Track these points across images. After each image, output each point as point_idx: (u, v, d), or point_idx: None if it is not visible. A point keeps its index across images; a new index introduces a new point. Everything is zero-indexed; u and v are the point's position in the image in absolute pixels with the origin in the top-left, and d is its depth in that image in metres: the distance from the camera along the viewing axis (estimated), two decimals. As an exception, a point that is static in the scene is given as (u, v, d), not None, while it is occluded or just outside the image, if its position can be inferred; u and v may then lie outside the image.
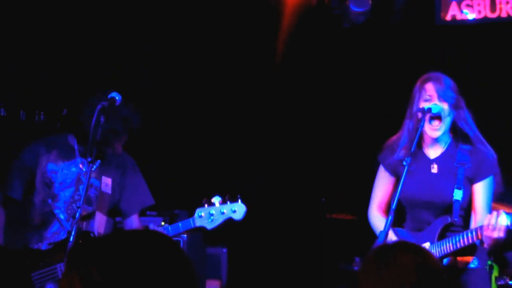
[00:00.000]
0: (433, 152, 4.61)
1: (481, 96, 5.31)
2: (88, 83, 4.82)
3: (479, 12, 7.11)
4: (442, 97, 4.46)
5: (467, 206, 4.55)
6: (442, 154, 4.58)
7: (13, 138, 6.25)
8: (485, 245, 4.35)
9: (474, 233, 4.33)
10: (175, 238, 5.68)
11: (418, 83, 4.55)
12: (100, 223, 4.64)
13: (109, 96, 4.50)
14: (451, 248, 4.38)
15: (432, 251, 4.37)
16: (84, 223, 4.63)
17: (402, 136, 4.60)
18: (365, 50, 7.41)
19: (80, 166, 4.71)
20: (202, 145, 7.71)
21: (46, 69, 6.99)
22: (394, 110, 4.85)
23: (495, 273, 5.58)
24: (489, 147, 4.56)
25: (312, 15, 7.39)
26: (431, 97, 4.47)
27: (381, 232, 4.27)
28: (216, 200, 4.49)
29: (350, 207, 5.00)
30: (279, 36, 7.48)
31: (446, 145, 4.59)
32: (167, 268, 1.73)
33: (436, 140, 4.58)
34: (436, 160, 4.58)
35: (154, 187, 5.01)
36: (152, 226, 5.43)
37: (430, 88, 4.49)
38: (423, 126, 4.46)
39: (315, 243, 7.58)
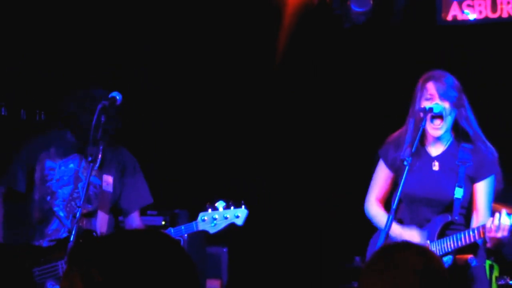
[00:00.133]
0: (434, 150, 4.62)
1: (482, 96, 5.30)
2: (88, 83, 4.82)
3: (480, 12, 7.11)
4: (443, 96, 4.47)
5: (468, 204, 4.56)
6: (444, 152, 4.59)
7: (14, 137, 6.25)
8: (489, 245, 4.36)
9: (476, 231, 4.34)
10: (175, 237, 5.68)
11: (420, 82, 4.56)
12: (102, 222, 4.64)
13: (109, 96, 4.51)
14: (452, 246, 4.39)
15: (432, 249, 4.38)
16: (85, 221, 4.62)
17: (404, 134, 4.61)
18: (366, 50, 7.41)
19: (78, 161, 4.71)
20: (202, 144, 7.70)
21: (46, 69, 6.98)
22: (395, 110, 4.86)
23: (495, 273, 5.58)
24: (490, 146, 4.57)
25: (313, 15, 7.38)
26: (432, 96, 4.48)
27: (382, 231, 4.27)
28: (220, 205, 4.51)
29: (351, 206, 4.99)
30: (280, 36, 7.48)
31: (448, 144, 4.60)
32: (169, 268, 1.73)
33: (438, 139, 4.59)
34: (437, 157, 4.59)
35: (154, 187, 5.01)
36: None
37: (431, 87, 4.49)
38: (424, 125, 4.47)
39: (316, 242, 7.57)
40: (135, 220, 4.79)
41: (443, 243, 4.42)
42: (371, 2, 7.01)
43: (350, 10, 7.05)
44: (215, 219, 4.49)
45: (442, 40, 7.21)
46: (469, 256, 4.47)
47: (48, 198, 4.68)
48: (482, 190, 4.53)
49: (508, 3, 7.01)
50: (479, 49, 7.10)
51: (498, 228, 4.25)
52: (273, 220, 7.58)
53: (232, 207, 4.51)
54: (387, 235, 4.20)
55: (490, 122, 4.78)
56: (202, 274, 6.42)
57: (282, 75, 7.58)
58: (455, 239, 4.39)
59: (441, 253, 4.40)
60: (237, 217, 4.50)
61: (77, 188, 4.67)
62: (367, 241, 4.86)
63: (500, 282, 5.61)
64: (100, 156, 4.49)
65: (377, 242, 4.31)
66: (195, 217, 4.55)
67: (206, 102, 7.70)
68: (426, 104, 4.48)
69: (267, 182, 7.62)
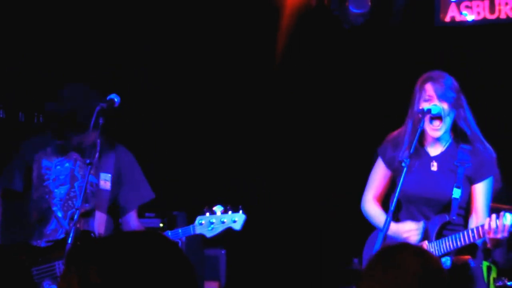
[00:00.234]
0: (433, 150, 4.62)
1: (480, 97, 5.31)
2: (87, 83, 4.82)
3: (478, 13, 7.11)
4: (442, 97, 4.47)
5: (466, 205, 4.56)
6: (443, 153, 4.59)
7: (13, 139, 6.25)
8: (488, 245, 4.36)
9: (476, 232, 4.34)
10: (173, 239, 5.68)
11: (419, 83, 4.57)
12: (100, 222, 4.63)
13: (107, 98, 4.52)
14: (451, 247, 4.39)
15: (431, 249, 4.38)
16: (82, 221, 4.62)
17: (403, 135, 4.61)
18: (365, 51, 7.41)
19: (74, 158, 4.71)
20: (200, 146, 7.70)
21: (45, 71, 6.98)
22: (394, 111, 4.86)
23: (493, 274, 5.58)
24: (488, 147, 4.57)
25: (312, 16, 7.39)
26: (431, 97, 4.48)
27: (379, 233, 4.27)
28: (217, 209, 4.52)
29: (350, 207, 4.99)
30: (279, 37, 7.48)
31: (447, 144, 4.60)
32: (167, 270, 1.73)
33: (437, 139, 4.59)
34: (436, 158, 4.59)
35: (153, 188, 5.00)
36: None
37: (429, 88, 4.50)
38: (422, 127, 4.47)
39: (314, 244, 7.57)
40: (132, 219, 4.78)
41: (442, 244, 4.42)
42: (369, 3, 7.02)
43: (348, 12, 7.05)
44: (212, 223, 4.50)
45: (440, 41, 7.21)
46: (468, 258, 4.47)
47: (47, 196, 4.69)
48: (481, 191, 4.53)
49: (506, 4, 7.01)
50: (477, 50, 7.11)
51: (498, 228, 4.26)
52: (271, 222, 7.57)
53: (230, 212, 4.52)
54: (385, 236, 4.20)
55: (489, 122, 4.78)
56: (200, 276, 6.42)
57: (282, 76, 7.59)
58: (453, 239, 4.38)
59: (439, 253, 4.40)
60: (235, 221, 4.50)
61: (73, 187, 4.67)
62: (365, 241, 4.86)
63: (498, 284, 5.61)
64: (97, 155, 4.48)
65: (374, 243, 4.31)
66: (193, 219, 4.55)
67: (205, 102, 7.70)
68: (424, 105, 4.48)
69: (265, 184, 7.62)
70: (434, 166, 4.59)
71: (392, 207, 4.24)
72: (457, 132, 4.58)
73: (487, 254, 5.06)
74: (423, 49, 7.17)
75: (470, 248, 4.47)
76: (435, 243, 4.44)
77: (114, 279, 1.68)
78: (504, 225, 4.26)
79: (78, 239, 4.29)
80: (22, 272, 4.50)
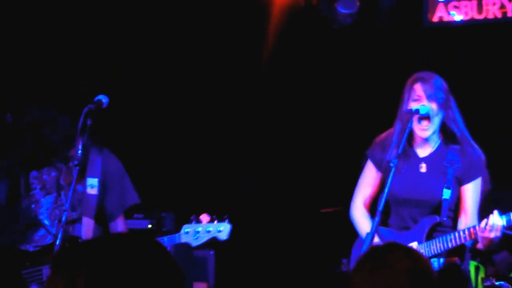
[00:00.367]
0: (422, 151, 4.62)
1: (469, 97, 5.31)
2: (84, 84, 4.82)
3: (466, 13, 7.12)
4: (430, 97, 4.47)
5: (455, 206, 4.57)
6: (431, 154, 4.59)
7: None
8: (480, 245, 4.36)
9: (467, 232, 4.35)
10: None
11: (408, 83, 4.57)
12: (87, 228, 4.61)
13: (95, 99, 4.49)
14: (441, 248, 4.39)
15: (421, 251, 4.38)
16: (70, 228, 4.60)
17: (391, 135, 4.61)
18: (353, 51, 7.42)
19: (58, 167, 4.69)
20: (189, 147, 7.69)
21: (36, 72, 6.96)
22: (382, 112, 4.86)
23: (481, 274, 5.60)
24: (477, 148, 4.58)
25: (300, 17, 7.38)
26: (420, 97, 4.49)
27: (367, 233, 4.26)
28: (203, 218, 4.53)
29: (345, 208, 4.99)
30: (268, 37, 7.48)
31: (436, 145, 4.60)
32: (155, 275, 1.72)
33: (426, 140, 4.59)
34: (425, 159, 4.60)
35: (141, 189, 4.98)
36: None
37: (418, 88, 4.50)
38: (410, 127, 4.47)
39: (304, 245, 7.57)
40: (119, 226, 4.76)
41: (432, 245, 4.42)
42: (358, 3, 7.02)
43: (337, 12, 7.05)
44: (198, 232, 4.51)
45: (429, 41, 7.22)
46: (456, 259, 4.48)
47: (33, 206, 4.66)
48: (470, 192, 4.54)
49: (494, 4, 7.03)
50: (465, 50, 7.12)
51: (491, 228, 4.27)
52: (259, 223, 7.57)
53: (215, 221, 4.52)
54: (373, 237, 4.19)
55: (477, 122, 4.79)
56: (189, 277, 6.41)
57: (270, 77, 7.58)
58: (444, 241, 4.39)
59: (429, 255, 4.40)
60: (220, 231, 4.51)
61: (60, 196, 4.64)
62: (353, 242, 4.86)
63: (486, 284, 5.63)
64: (80, 154, 4.45)
65: (362, 245, 4.30)
66: (181, 221, 4.56)
67: (201, 104, 7.69)
68: (413, 105, 4.49)
69: (254, 186, 7.61)
70: (423, 168, 4.59)
71: (380, 208, 4.23)
72: (446, 133, 4.59)
73: (475, 254, 5.07)
74: (411, 49, 7.17)
75: (458, 250, 4.47)
76: (425, 244, 4.44)
77: (100, 284, 1.67)
78: (497, 225, 4.27)
79: (66, 243, 4.27)
80: (12, 275, 4.48)
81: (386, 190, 4.30)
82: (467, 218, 4.50)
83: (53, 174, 4.69)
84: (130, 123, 7.38)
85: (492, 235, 4.28)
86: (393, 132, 4.61)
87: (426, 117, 4.49)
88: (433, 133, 4.55)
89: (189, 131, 7.67)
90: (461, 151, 4.54)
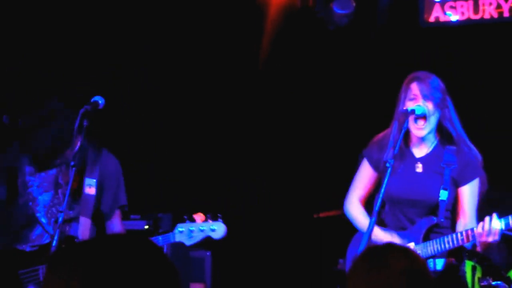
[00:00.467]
0: (418, 151, 4.62)
1: (466, 97, 5.32)
2: (84, 84, 4.82)
3: (463, 13, 7.13)
4: (427, 97, 4.47)
5: (452, 207, 4.57)
6: (428, 154, 4.59)
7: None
8: (478, 249, 4.37)
9: (464, 235, 4.35)
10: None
11: (405, 83, 4.58)
12: (84, 228, 4.61)
13: (92, 100, 4.49)
14: (439, 249, 4.39)
15: (418, 251, 4.38)
16: (67, 227, 4.60)
17: (388, 135, 4.61)
18: (350, 52, 7.42)
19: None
20: (186, 147, 7.69)
21: (36, 72, 6.95)
22: (379, 112, 4.86)
23: (478, 274, 5.59)
24: (473, 148, 4.58)
25: (297, 18, 7.38)
26: (416, 97, 4.49)
27: (364, 234, 4.26)
28: (197, 217, 4.53)
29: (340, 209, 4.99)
30: (264, 39, 7.48)
31: (433, 146, 4.60)
32: (151, 277, 1.72)
33: (422, 140, 4.59)
34: (421, 159, 4.60)
35: (138, 190, 4.99)
36: None
37: (415, 88, 4.51)
38: (406, 127, 4.47)
39: (300, 246, 7.57)
40: (116, 225, 4.77)
41: (430, 246, 4.42)
42: (354, 4, 7.02)
43: (332, 13, 7.05)
44: (192, 231, 4.52)
45: (425, 41, 7.23)
46: (452, 259, 4.48)
47: (30, 203, 4.67)
48: (467, 193, 4.54)
49: (490, 4, 7.03)
50: (462, 50, 7.13)
51: (489, 232, 4.27)
52: (256, 224, 7.57)
53: (209, 220, 4.53)
54: (370, 237, 4.19)
55: (474, 123, 4.79)
56: (186, 278, 6.41)
57: (269, 78, 7.59)
58: (441, 242, 4.39)
59: (425, 256, 4.40)
60: (213, 230, 4.52)
61: (57, 194, 4.64)
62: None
63: (483, 283, 5.62)
64: (77, 156, 4.45)
65: (359, 244, 4.30)
66: (178, 221, 4.56)
67: (198, 105, 7.69)
68: (409, 105, 4.49)
69: (249, 187, 7.62)
70: (419, 168, 4.59)
71: (376, 208, 4.23)
72: (442, 133, 4.59)
73: (472, 254, 5.06)
74: (407, 49, 7.18)
75: (455, 250, 4.48)
76: (422, 245, 4.44)
77: (96, 285, 1.66)
78: (495, 229, 4.27)
79: (62, 243, 4.27)
80: (9, 276, 4.48)
81: (382, 190, 4.30)
82: (466, 220, 4.51)
83: (51, 172, 4.70)
84: (129, 123, 7.37)
85: (490, 239, 4.28)
86: (390, 132, 4.61)
87: (422, 116, 4.49)
88: (429, 132, 4.55)
89: (186, 132, 7.67)
90: (458, 152, 4.54)
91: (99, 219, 4.79)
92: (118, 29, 7.31)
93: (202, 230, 4.53)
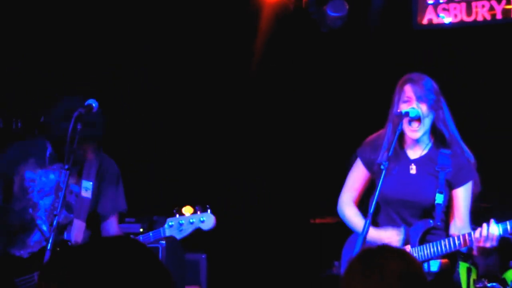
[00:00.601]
0: (413, 153, 4.62)
1: (459, 98, 5.33)
2: (84, 84, 4.83)
3: (455, 16, 7.15)
4: (420, 98, 4.47)
5: (446, 209, 4.57)
6: (422, 157, 4.59)
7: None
8: (474, 252, 4.37)
9: (462, 239, 4.35)
10: (154, 245, 5.69)
11: (398, 85, 4.57)
12: (78, 231, 4.61)
13: (86, 103, 4.49)
14: (435, 253, 4.39)
15: (414, 254, 4.38)
16: (65, 230, 4.61)
17: (382, 137, 4.61)
18: (343, 54, 7.43)
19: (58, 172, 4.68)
20: (182, 150, 7.69)
21: (25, 76, 6.94)
22: (373, 114, 4.86)
23: (473, 275, 5.60)
24: (467, 150, 4.58)
25: (290, 20, 7.39)
26: (410, 99, 4.49)
27: (359, 236, 4.26)
28: (186, 210, 4.54)
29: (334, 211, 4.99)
30: (257, 41, 7.49)
31: (427, 148, 4.60)
32: (143, 279, 1.72)
33: (416, 142, 4.59)
34: (415, 161, 4.60)
35: (133, 193, 4.99)
36: None
37: (408, 90, 4.50)
38: (400, 130, 4.47)
39: (296, 249, 7.57)
40: (112, 226, 4.77)
41: (426, 250, 4.42)
42: (347, 6, 7.03)
43: (326, 15, 7.06)
44: (181, 224, 4.53)
45: (418, 43, 7.24)
46: (447, 261, 4.48)
47: (30, 210, 4.65)
48: (461, 195, 4.54)
49: (483, 6, 7.05)
50: (455, 52, 7.14)
51: (487, 238, 4.27)
52: (252, 227, 7.57)
53: (198, 212, 4.54)
54: (365, 239, 4.19)
55: (467, 124, 4.80)
56: (181, 281, 6.40)
57: (262, 81, 7.59)
58: (438, 245, 4.38)
59: (422, 259, 4.39)
60: (202, 221, 4.53)
61: (58, 198, 4.63)
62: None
63: (478, 285, 5.63)
64: (71, 160, 4.44)
65: (353, 246, 4.29)
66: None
67: (196, 108, 7.69)
68: (403, 107, 4.49)
69: (243, 190, 7.62)
70: (413, 169, 4.59)
71: (371, 210, 4.24)
72: (436, 135, 4.59)
73: (467, 256, 5.07)
74: (401, 51, 7.19)
75: (453, 254, 4.48)
76: (418, 248, 4.43)
77: None
78: (493, 234, 4.27)
79: (57, 247, 4.26)
80: (6, 283, 4.47)
81: (376, 192, 4.30)
82: (459, 221, 4.51)
83: (52, 176, 4.69)
84: (129, 124, 7.37)
85: (488, 244, 4.28)
86: (384, 133, 4.61)
87: (417, 119, 4.49)
88: (424, 134, 4.55)
89: (184, 133, 7.67)
90: (452, 155, 4.54)
91: (94, 222, 4.79)
92: (118, 29, 7.32)
93: (191, 223, 4.54)
